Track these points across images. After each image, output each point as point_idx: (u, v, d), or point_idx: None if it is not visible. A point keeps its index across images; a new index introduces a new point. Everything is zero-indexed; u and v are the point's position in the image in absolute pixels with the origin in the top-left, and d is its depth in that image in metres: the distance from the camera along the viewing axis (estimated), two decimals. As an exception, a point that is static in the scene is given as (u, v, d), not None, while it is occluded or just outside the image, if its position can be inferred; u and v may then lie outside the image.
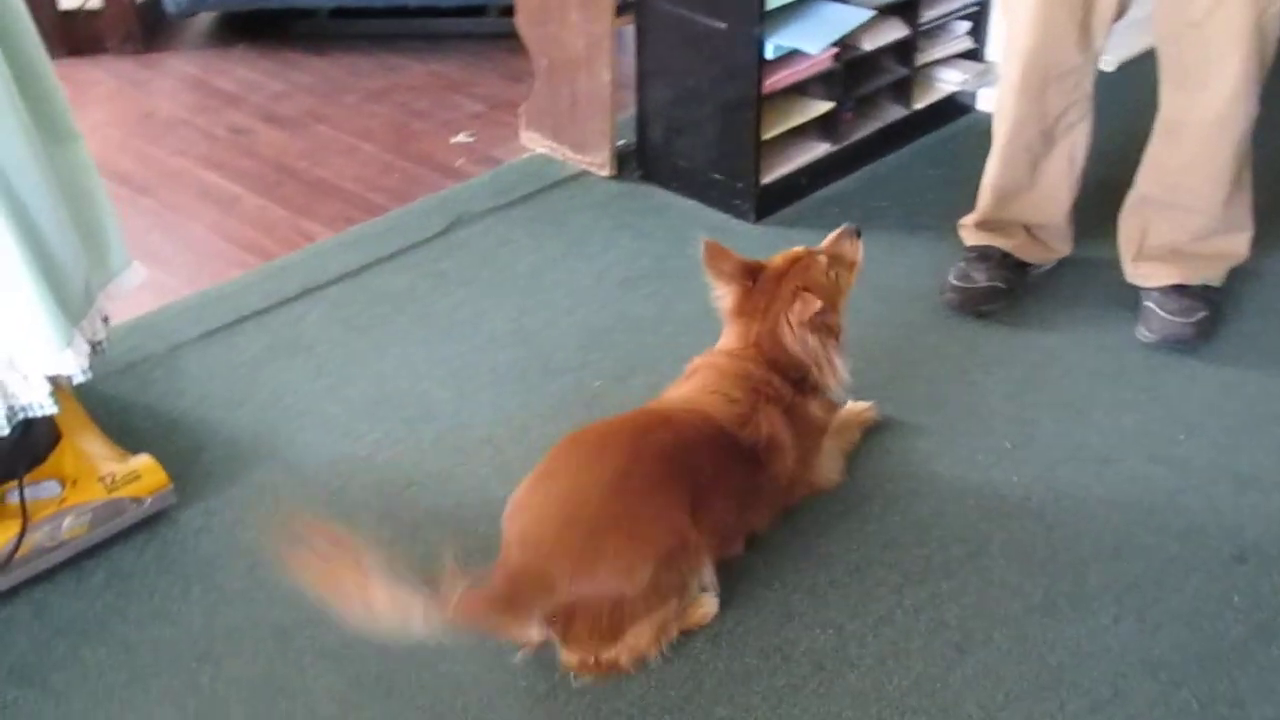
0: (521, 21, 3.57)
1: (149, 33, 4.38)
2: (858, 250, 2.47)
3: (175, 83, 4.16)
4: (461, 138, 3.80)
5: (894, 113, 3.68)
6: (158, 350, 2.94)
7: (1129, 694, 2.10)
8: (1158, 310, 2.86)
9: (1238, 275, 2.98)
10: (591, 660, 2.11)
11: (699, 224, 3.36)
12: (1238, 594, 2.27)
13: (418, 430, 2.70)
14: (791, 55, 3.26)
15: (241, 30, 4.44)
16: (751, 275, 2.36)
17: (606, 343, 2.94)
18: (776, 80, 3.27)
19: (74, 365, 2.28)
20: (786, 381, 2.30)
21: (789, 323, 2.29)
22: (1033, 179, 2.91)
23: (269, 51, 4.33)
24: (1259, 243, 2.94)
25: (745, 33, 3.18)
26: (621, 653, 2.11)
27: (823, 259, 2.40)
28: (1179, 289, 2.87)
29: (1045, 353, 2.89)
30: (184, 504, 2.52)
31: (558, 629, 2.08)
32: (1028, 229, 2.99)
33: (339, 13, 4.38)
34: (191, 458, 2.64)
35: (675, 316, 3.01)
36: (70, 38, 4.33)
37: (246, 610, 2.31)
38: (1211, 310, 2.89)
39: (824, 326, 2.32)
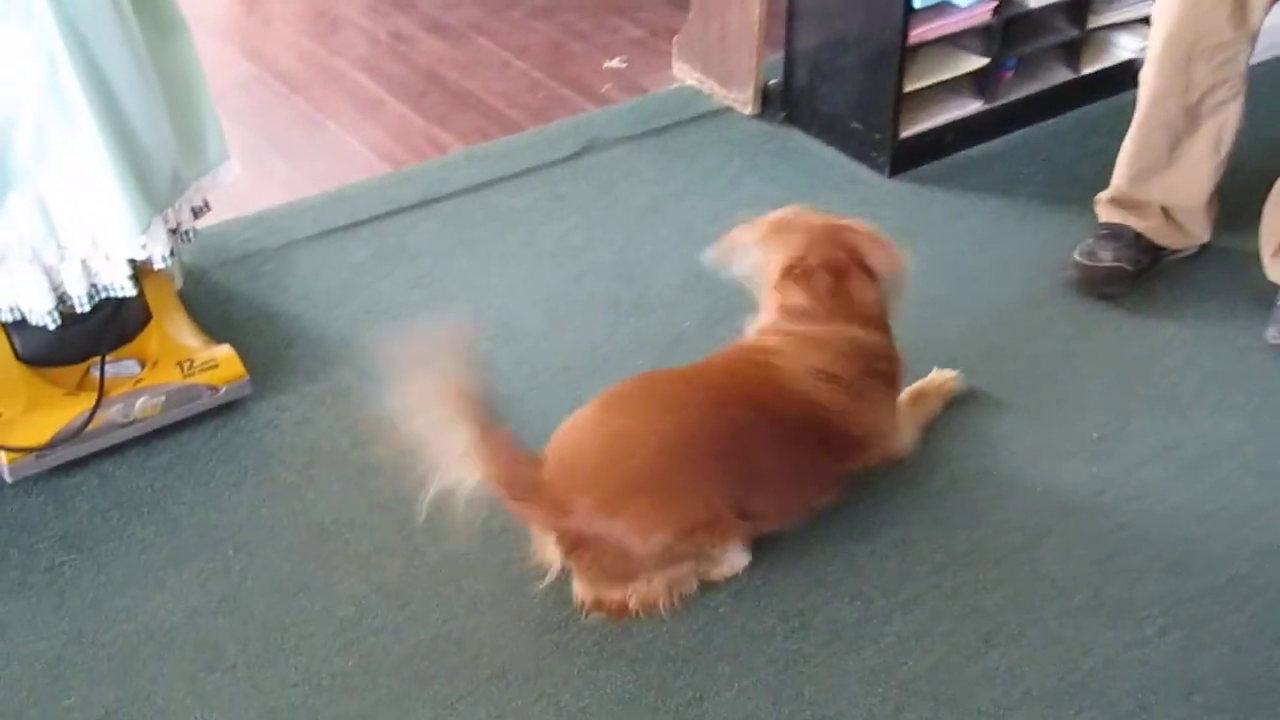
0: (681, -51, 3.51)
1: (337, -67, 4.44)
2: (900, 262, 2.36)
3: (351, -17, 4.23)
4: (614, 63, 3.77)
5: (1059, 75, 3.50)
6: (273, 245, 3.01)
7: (1155, 712, 1.99)
8: (1294, 316, 2.68)
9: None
10: (599, 598, 2.09)
11: (831, 173, 3.27)
12: (1300, 625, 2.13)
13: (499, 351, 2.71)
14: (942, 6, 3.12)
15: (428, -63, 4.47)
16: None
17: (705, 285, 2.87)
18: (923, 31, 3.14)
19: (153, 250, 2.34)
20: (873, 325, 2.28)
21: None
22: (1171, 158, 2.74)
23: (452, -42, 4.35)
24: None
25: (894, -21, 3.06)
26: (630, 597, 2.09)
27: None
28: (1319, 296, 2.68)
29: (1161, 343, 2.73)
30: (259, 396, 2.58)
31: (568, 556, 2.07)
32: (1165, 210, 2.82)
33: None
34: (278, 352, 2.70)
35: (783, 265, 2.94)
36: (262, -69, 4.41)
37: (291, 506, 2.36)
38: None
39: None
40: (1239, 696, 2.01)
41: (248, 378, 2.54)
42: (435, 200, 3.16)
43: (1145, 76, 2.71)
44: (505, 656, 2.09)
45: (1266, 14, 2.57)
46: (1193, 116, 2.68)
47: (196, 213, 2.56)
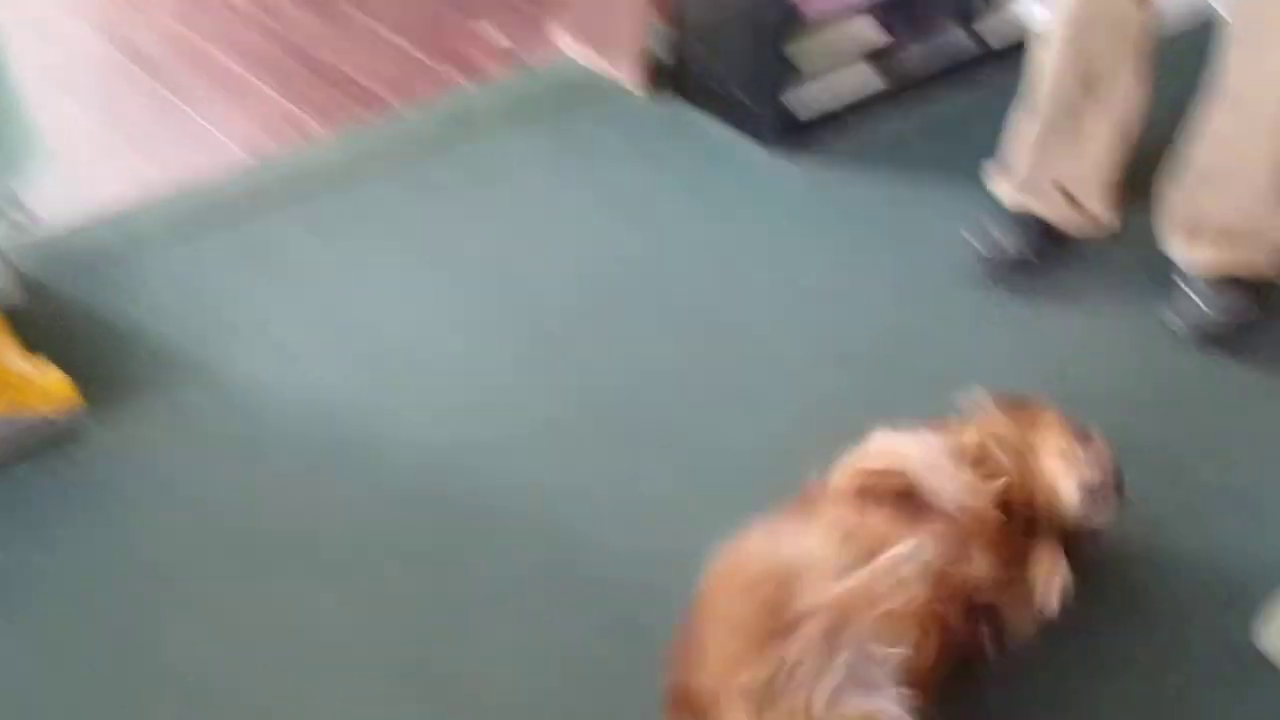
0: (559, -85, 3.31)
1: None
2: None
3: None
4: (493, 34, 3.55)
5: (964, 49, 3.33)
6: (121, 247, 2.80)
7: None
8: (1196, 300, 2.55)
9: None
10: None
11: (719, 153, 3.09)
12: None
13: (359, 357, 2.53)
14: (832, -25, 2.95)
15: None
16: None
17: (585, 281, 2.72)
18: (819, 5, 2.97)
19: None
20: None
21: None
22: (1072, 138, 2.59)
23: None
24: None
25: (780, -53, 2.88)
26: None
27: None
28: (1224, 278, 2.54)
29: (1064, 332, 2.60)
30: (99, 420, 2.38)
31: None
32: (1066, 193, 2.67)
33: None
34: (123, 370, 2.50)
35: (667, 258, 2.78)
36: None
37: (126, 545, 2.19)
38: (1259, 305, 2.57)
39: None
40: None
41: (82, 406, 2.34)
42: (301, 192, 2.95)
43: (1042, 55, 2.55)
44: None
45: None
46: (1093, 95, 2.53)
47: (17, 227, 2.34)
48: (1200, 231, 2.55)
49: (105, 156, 3.10)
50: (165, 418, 2.40)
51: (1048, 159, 2.63)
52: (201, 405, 2.42)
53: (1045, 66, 2.55)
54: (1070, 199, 2.66)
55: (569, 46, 3.42)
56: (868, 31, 3.12)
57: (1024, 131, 2.64)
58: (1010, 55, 3.29)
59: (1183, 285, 2.58)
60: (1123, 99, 2.54)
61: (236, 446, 2.35)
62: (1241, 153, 2.44)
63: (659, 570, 2.02)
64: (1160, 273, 2.64)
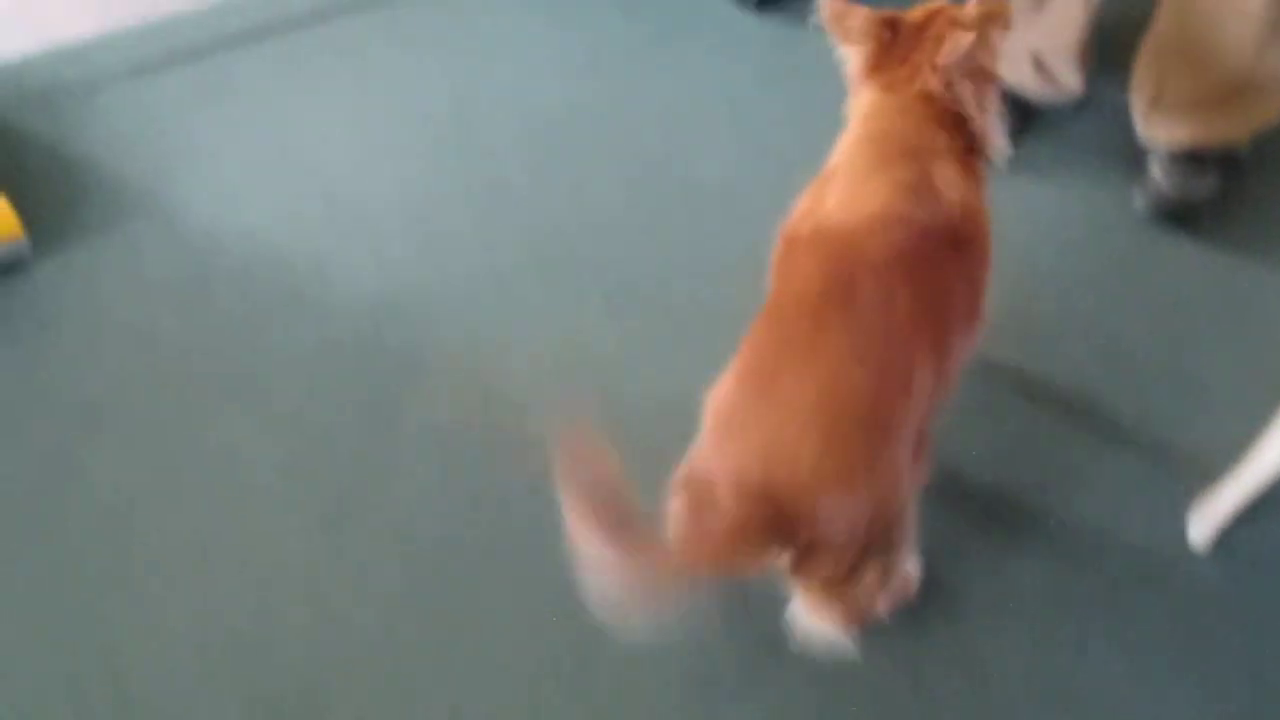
0: None
1: None
2: (1005, 6, 1.90)
3: None
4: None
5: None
6: (79, 80, 2.78)
7: None
8: (1158, 176, 2.50)
9: (1275, 142, 2.60)
10: (854, 603, 1.66)
11: (696, 7, 3.03)
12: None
13: (310, 203, 2.51)
14: None
15: None
16: (889, 27, 1.85)
17: (545, 131, 2.69)
18: None
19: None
20: (947, 132, 1.80)
21: (936, 67, 1.80)
22: (1039, 4, 2.53)
23: None
24: None
25: None
26: (861, 594, 1.65)
27: (970, 9, 1.87)
28: (1190, 154, 2.50)
29: (1023, 210, 2.55)
30: (45, 253, 2.39)
31: (801, 572, 1.61)
32: (1035, 58, 2.61)
33: None
34: (71, 203, 2.49)
35: (628, 114, 2.74)
36: None
37: (64, 378, 2.19)
38: (1224, 182, 2.51)
39: (979, 71, 1.83)
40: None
41: (24, 237, 2.33)
42: (265, 32, 2.92)
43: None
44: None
45: None
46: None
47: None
48: (1167, 102, 2.50)
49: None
50: (113, 253, 2.39)
51: (1015, 21, 2.56)
52: (150, 242, 2.42)
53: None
54: (1038, 66, 2.61)
55: (552, -107, 3.34)
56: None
57: (991, -1, 2.57)
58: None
59: (1149, 161, 2.54)
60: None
61: (182, 285, 2.35)
62: (1207, 22, 2.38)
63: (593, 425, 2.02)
64: (1128, 147, 2.60)
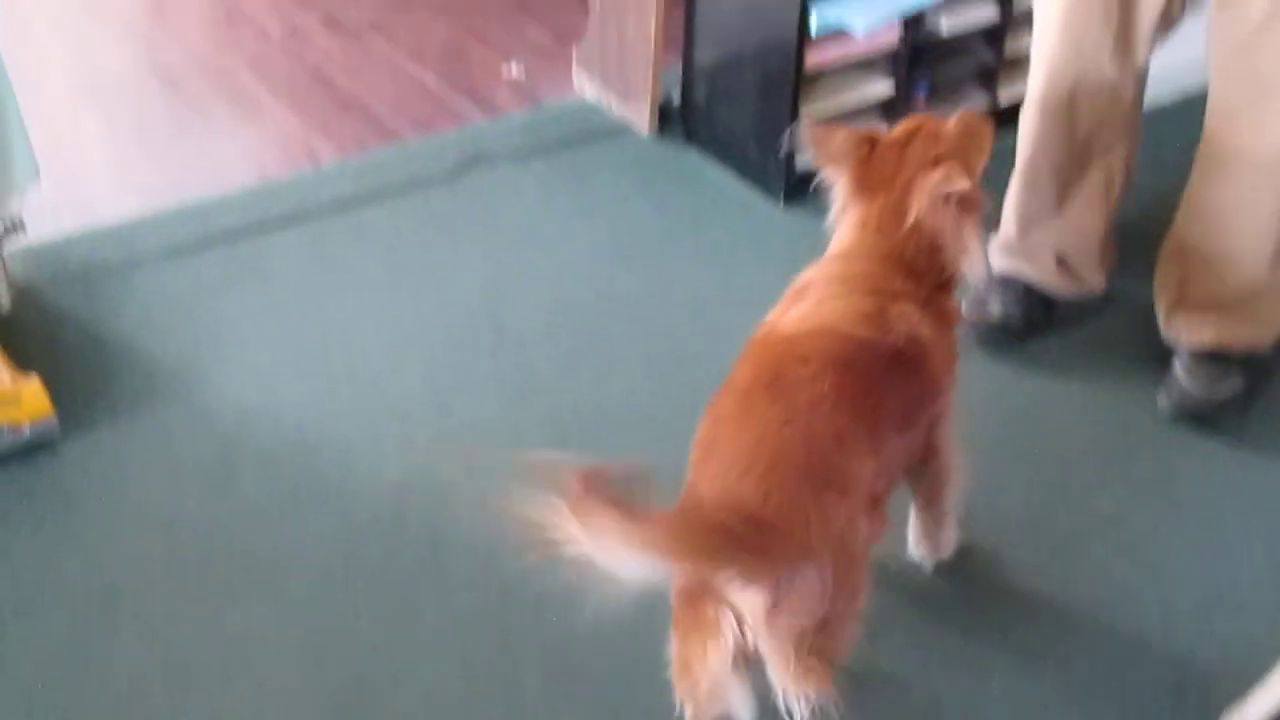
0: (580, -47, 3.33)
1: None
2: (987, 129, 2.02)
3: (255, -27, 4.03)
4: (512, 70, 3.58)
5: (976, 103, 3.31)
6: (117, 260, 2.83)
7: None
8: (1182, 376, 2.51)
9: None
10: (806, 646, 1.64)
11: (726, 200, 3.09)
12: None
13: (339, 389, 2.54)
14: (840, 32, 2.94)
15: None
16: (869, 144, 1.94)
17: (573, 321, 2.72)
18: (822, 57, 2.97)
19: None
20: (916, 278, 1.89)
21: (924, 195, 1.87)
22: (1060, 202, 2.57)
23: (360, -50, 4.15)
24: None
25: (788, 2, 2.87)
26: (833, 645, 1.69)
27: (953, 126, 1.97)
28: (1213, 354, 2.50)
29: (1047, 406, 2.56)
30: (73, 433, 2.40)
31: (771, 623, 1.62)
32: (1058, 257, 2.64)
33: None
34: (103, 383, 2.52)
35: (657, 303, 2.77)
36: (167, -88, 4.21)
37: (85, 561, 2.19)
38: (1249, 383, 2.52)
39: (963, 200, 1.89)
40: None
41: (54, 416, 2.36)
42: (300, 217, 2.98)
43: (1026, 118, 2.54)
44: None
45: (1151, 50, 2.39)
46: (1080, 158, 2.51)
47: (7, 231, 2.38)
48: (1189, 303, 2.52)
49: (116, 169, 3.15)
50: (141, 435, 2.42)
51: (1036, 223, 2.61)
52: (179, 425, 2.44)
53: (1028, 129, 2.53)
54: (1060, 263, 2.64)
55: (585, 86, 3.43)
56: (878, 85, 3.11)
57: (1013, 195, 2.62)
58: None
59: (1172, 360, 2.54)
60: (1110, 161, 2.52)
61: (207, 469, 2.37)
62: (1226, 225, 2.41)
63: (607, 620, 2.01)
64: (1152, 345, 2.61)
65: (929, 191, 1.86)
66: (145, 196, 3.01)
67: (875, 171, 1.93)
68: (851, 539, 1.68)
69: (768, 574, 1.57)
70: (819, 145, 1.95)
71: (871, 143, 1.94)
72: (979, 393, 2.54)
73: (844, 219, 1.97)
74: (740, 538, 1.55)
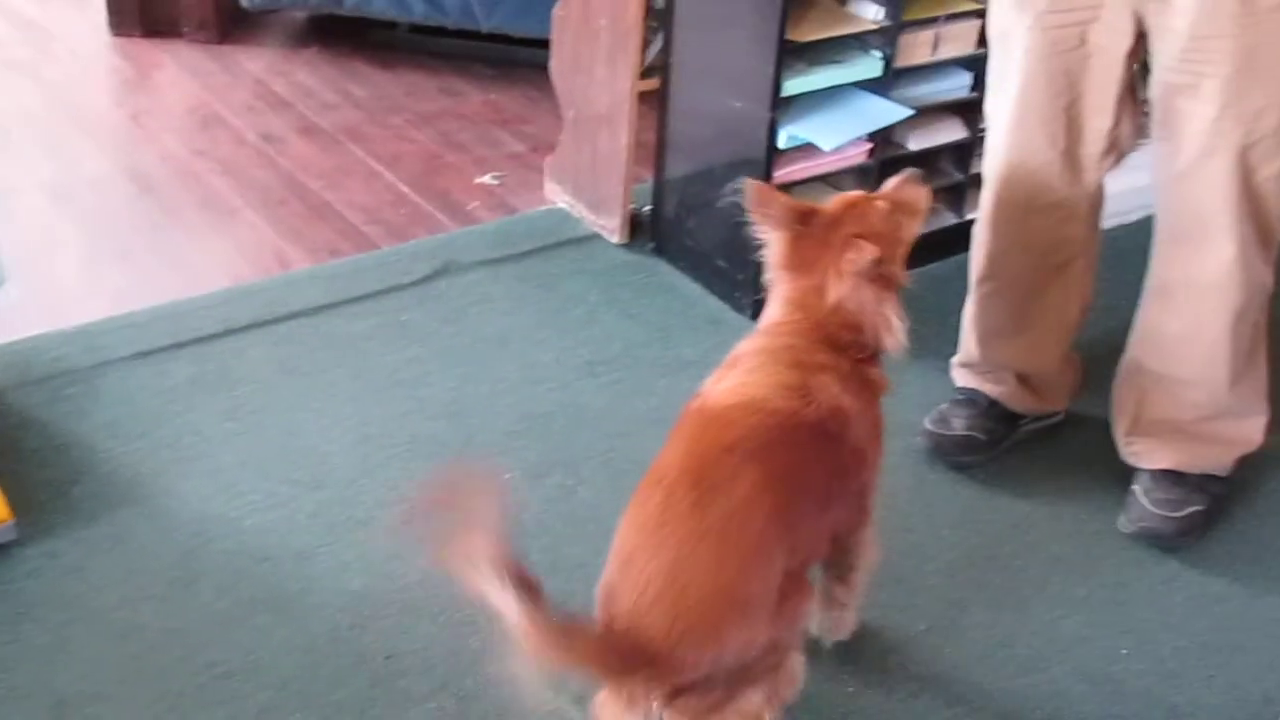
0: (555, 68, 3.38)
1: (227, 24, 4.30)
2: (922, 197, 2.13)
3: (232, 79, 4.07)
4: (487, 179, 3.62)
5: (943, 219, 3.36)
6: (84, 364, 2.83)
7: None
8: (1142, 497, 2.52)
9: (1259, 465, 2.62)
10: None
11: (694, 311, 3.11)
12: None
13: (301, 497, 2.53)
14: (811, 146, 2.98)
15: (320, 32, 4.34)
16: (803, 219, 2.02)
17: (539, 431, 2.73)
18: (791, 171, 3.01)
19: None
20: (839, 351, 1.98)
21: (840, 278, 1.96)
22: (1018, 325, 2.59)
23: (338, 58, 4.21)
24: None
25: (757, 117, 2.92)
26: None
27: (882, 203, 2.06)
28: (1173, 475, 2.52)
29: (1010, 524, 2.57)
30: (30, 539, 2.38)
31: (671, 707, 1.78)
32: (1019, 375, 2.66)
33: (418, 28, 4.23)
34: (63, 488, 2.51)
35: (624, 414, 2.78)
36: (149, 18, 4.29)
37: (36, 672, 2.16)
38: (1209, 505, 2.53)
39: (882, 278, 1.98)
40: None
41: (12, 522, 2.35)
42: (268, 322, 2.98)
43: (980, 236, 2.56)
44: None
45: (1102, 174, 2.43)
46: (1036, 278, 2.54)
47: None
48: (1146, 426, 2.53)
49: (88, 272, 3.16)
50: (100, 541, 2.40)
51: (995, 341, 2.63)
52: (137, 531, 2.43)
53: (983, 247, 2.56)
54: (1021, 381, 2.66)
55: (558, 196, 3.47)
56: (846, 202, 3.14)
57: (970, 313, 2.64)
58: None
59: (1134, 484, 2.55)
60: (1068, 280, 2.54)
61: (165, 576, 2.35)
62: (1177, 352, 2.43)
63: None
64: (1113, 464, 2.62)
65: (845, 273, 1.94)
66: (115, 300, 3.02)
67: (803, 249, 2.01)
68: (757, 640, 1.78)
69: (672, 683, 1.73)
70: (758, 205, 2.03)
71: (805, 217, 2.02)
72: (942, 511, 2.57)
73: (773, 293, 2.05)
74: (648, 662, 1.70)
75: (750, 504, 1.78)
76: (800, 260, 2.01)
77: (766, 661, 1.82)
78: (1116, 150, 2.38)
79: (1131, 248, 2.88)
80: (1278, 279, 2.42)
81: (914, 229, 2.10)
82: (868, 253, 1.93)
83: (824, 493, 1.93)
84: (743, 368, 1.97)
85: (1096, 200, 2.48)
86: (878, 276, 1.96)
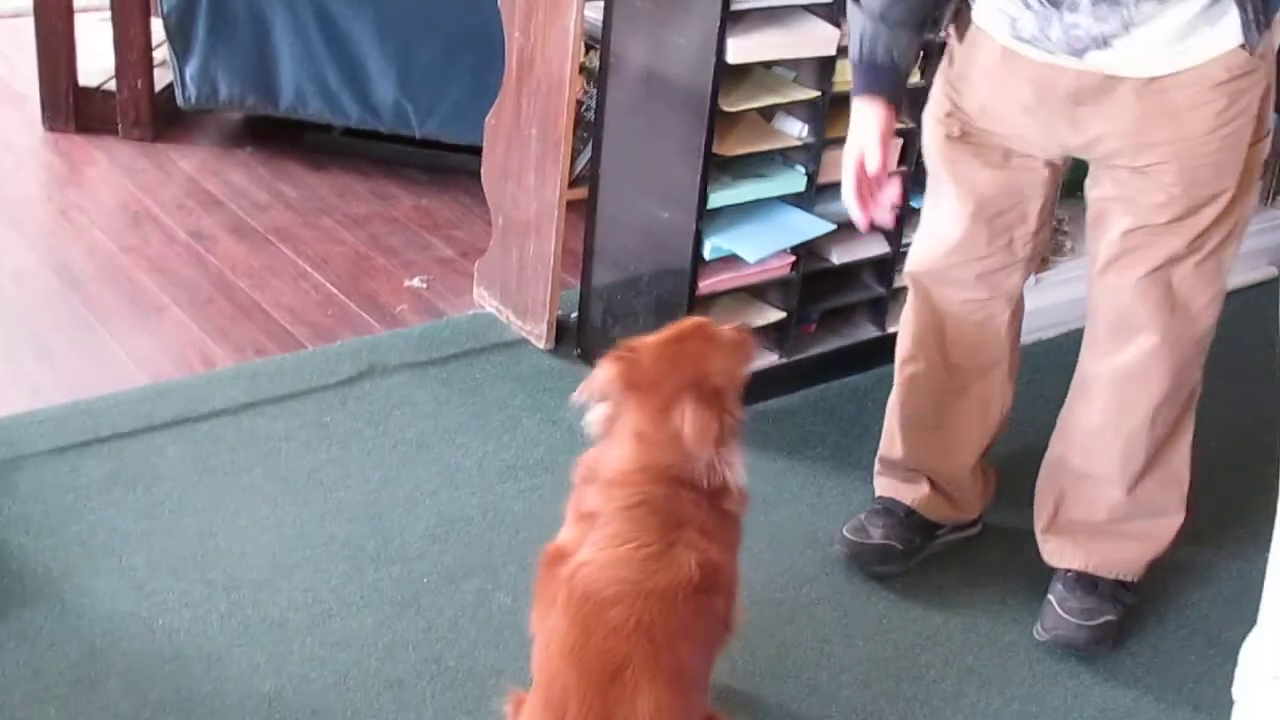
0: (485, 174, 3.42)
1: (161, 122, 4.31)
2: (749, 345, 2.20)
3: (164, 177, 4.08)
4: (415, 282, 3.63)
5: (865, 331, 3.42)
6: (0, 459, 2.79)
7: None
8: (1056, 606, 2.55)
9: (1171, 576, 2.67)
10: None
11: (616, 418, 3.11)
12: None
13: (215, 597, 2.50)
14: (735, 257, 3.03)
15: (254, 134, 4.35)
16: (628, 349, 2.11)
17: (457, 535, 2.72)
18: (716, 281, 3.05)
19: None
20: (696, 491, 2.03)
21: (690, 432, 2.00)
22: (937, 416, 2.62)
23: (272, 159, 4.23)
24: (1205, 543, 2.68)
25: (683, 228, 2.97)
26: None
27: (720, 336, 2.13)
28: (1088, 584, 2.55)
29: (925, 635, 2.58)
30: (-65, 637, 2.33)
31: None
32: (931, 480, 2.69)
33: (352, 131, 4.26)
34: (-30, 585, 2.46)
35: (545, 520, 2.73)
36: (83, 115, 4.29)
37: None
38: (1120, 614, 2.56)
39: (723, 431, 2.04)
40: None
41: (-86, 618, 2.30)
42: (188, 420, 2.96)
43: (902, 337, 2.63)
44: None
45: (1024, 279, 2.50)
46: (955, 379, 2.59)
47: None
48: (1062, 525, 2.57)
49: (6, 366, 3.13)
50: (5, 639, 2.36)
51: (912, 444, 2.67)
52: (44, 630, 2.39)
53: (906, 350, 2.61)
54: (934, 487, 2.69)
55: (486, 301, 3.49)
56: (770, 310, 3.19)
57: (891, 413, 2.68)
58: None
59: (1049, 592, 2.58)
60: (986, 385, 2.59)
61: (71, 678, 2.31)
62: (1089, 445, 2.48)
63: None
64: (1029, 573, 2.65)
65: (692, 439, 1.99)
66: (34, 394, 3.00)
67: (646, 371, 2.05)
68: None
69: None
70: (589, 393, 2.10)
71: (630, 349, 2.08)
72: (858, 621, 2.58)
73: (618, 425, 2.06)
74: None
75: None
76: (644, 384, 2.05)
77: None
78: (1037, 258, 2.45)
79: (1047, 364, 2.96)
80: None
81: (745, 371, 2.16)
82: (710, 429, 1.99)
83: (711, 645, 2.03)
84: (607, 533, 1.99)
85: (1017, 308, 2.54)
86: (724, 424, 2.02)
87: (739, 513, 2.11)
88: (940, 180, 2.46)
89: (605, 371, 2.07)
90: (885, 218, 2.37)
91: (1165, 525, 2.55)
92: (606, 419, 2.09)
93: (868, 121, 2.32)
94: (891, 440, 2.70)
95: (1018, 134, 2.33)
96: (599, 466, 2.08)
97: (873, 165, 2.30)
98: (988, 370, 2.58)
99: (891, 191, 2.32)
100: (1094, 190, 2.34)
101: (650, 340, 2.10)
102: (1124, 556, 2.56)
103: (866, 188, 2.33)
